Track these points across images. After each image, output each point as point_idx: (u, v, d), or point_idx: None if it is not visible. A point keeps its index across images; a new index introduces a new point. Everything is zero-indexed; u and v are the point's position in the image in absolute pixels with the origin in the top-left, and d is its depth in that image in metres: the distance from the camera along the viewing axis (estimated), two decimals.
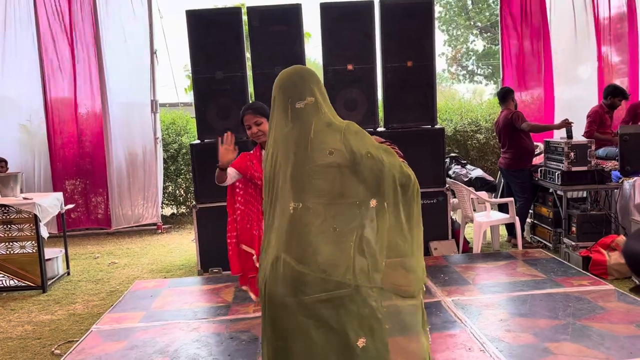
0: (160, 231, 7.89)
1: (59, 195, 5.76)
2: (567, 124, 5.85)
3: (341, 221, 1.89)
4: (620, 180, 5.53)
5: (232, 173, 3.36)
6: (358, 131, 1.97)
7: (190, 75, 5.96)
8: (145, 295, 4.81)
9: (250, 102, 5.93)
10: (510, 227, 6.10)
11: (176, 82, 9.68)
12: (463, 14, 23.94)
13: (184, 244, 7.05)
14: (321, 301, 1.85)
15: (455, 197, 6.13)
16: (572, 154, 5.49)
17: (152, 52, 7.74)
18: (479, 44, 24.75)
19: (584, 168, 5.50)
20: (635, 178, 5.37)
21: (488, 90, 24.15)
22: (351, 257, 1.87)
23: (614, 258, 4.77)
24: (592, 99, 7.91)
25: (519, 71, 8.41)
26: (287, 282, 1.87)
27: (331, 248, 1.87)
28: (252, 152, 3.43)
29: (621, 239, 4.92)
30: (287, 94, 1.99)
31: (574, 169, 5.49)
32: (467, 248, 5.90)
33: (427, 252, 5.64)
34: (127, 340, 3.82)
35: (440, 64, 25.56)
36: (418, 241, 2.05)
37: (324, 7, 5.61)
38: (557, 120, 7.64)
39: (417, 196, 2.03)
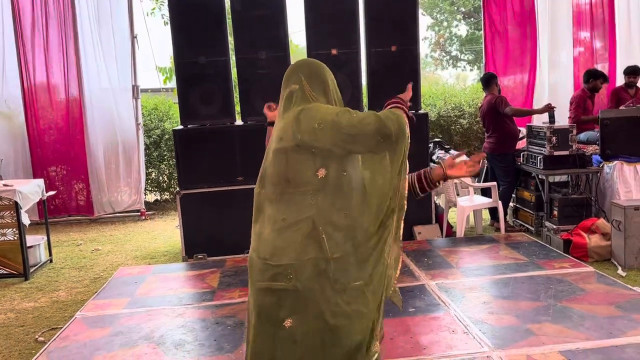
0: (143, 218, 7.84)
1: (40, 182, 5.69)
2: (549, 109, 5.91)
3: (293, 211, 1.82)
4: (601, 164, 5.62)
5: None
6: (312, 108, 1.88)
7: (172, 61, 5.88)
8: (129, 281, 4.80)
9: (236, 87, 5.90)
10: (493, 211, 6.17)
11: (158, 68, 9.55)
12: None
13: (168, 231, 7.02)
14: (263, 289, 1.83)
15: None
16: (554, 138, 5.55)
17: (133, 37, 7.63)
18: (462, 29, 24.76)
19: (566, 152, 5.57)
20: (615, 162, 5.46)
21: (472, 76, 24.24)
22: (298, 252, 1.78)
23: (594, 241, 4.87)
24: (572, 84, 8.02)
25: (501, 56, 8.45)
26: (250, 264, 1.93)
27: (276, 238, 1.81)
28: None
29: (601, 222, 5.01)
30: (285, 78, 2.03)
31: (556, 153, 5.56)
32: (450, 232, 5.96)
33: (410, 236, 5.69)
34: (112, 326, 3.81)
35: (424, 49, 25.54)
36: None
37: None
38: (538, 105, 7.72)
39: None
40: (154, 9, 10.07)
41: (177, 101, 5.79)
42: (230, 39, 5.91)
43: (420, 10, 23.63)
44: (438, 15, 24.75)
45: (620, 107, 6.45)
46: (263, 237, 1.87)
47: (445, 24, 24.84)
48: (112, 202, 7.76)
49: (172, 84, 8.73)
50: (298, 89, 1.96)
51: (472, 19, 22.96)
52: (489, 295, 4.02)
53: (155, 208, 8.53)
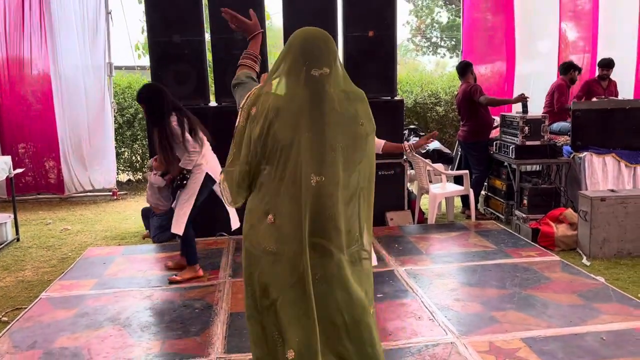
0: (115, 197, 7.74)
1: (7, 159, 5.57)
2: (523, 99, 5.96)
3: (351, 187, 1.96)
4: (571, 155, 5.70)
5: None
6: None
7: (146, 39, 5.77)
8: (97, 262, 4.74)
9: (211, 67, 5.81)
10: (465, 199, 6.23)
11: (132, 45, 9.37)
12: None
13: (139, 211, 6.93)
14: (350, 255, 1.97)
15: (412, 169, 6.20)
16: (526, 128, 5.61)
17: (107, 12, 7.46)
18: (443, 16, 24.75)
19: (537, 142, 5.64)
20: (585, 153, 5.54)
21: (451, 63, 24.30)
22: (358, 220, 2.00)
23: (561, 230, 4.95)
24: (551, 74, 8.06)
25: (479, 45, 8.48)
26: (315, 251, 1.93)
27: (349, 214, 1.96)
28: None
29: (569, 212, 5.10)
30: (305, 57, 1.92)
31: (528, 143, 5.62)
32: (422, 219, 6.00)
33: (383, 222, 5.72)
34: (78, 307, 3.76)
35: (405, 34, 25.47)
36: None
37: None
38: (516, 94, 7.77)
39: None
40: None
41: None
42: (207, 19, 5.81)
43: None
44: (420, 2, 24.70)
45: (593, 99, 6.54)
46: (333, 222, 1.97)
47: (426, 10, 24.81)
48: (83, 181, 7.63)
49: (147, 61, 8.56)
50: (329, 74, 1.92)
51: (453, 6, 22.98)
52: (456, 282, 4.07)
53: (127, 188, 8.42)
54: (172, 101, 4.09)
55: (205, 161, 4.11)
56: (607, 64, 6.97)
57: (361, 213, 2.00)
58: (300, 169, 1.88)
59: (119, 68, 8.50)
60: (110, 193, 7.79)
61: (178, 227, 4.10)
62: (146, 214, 5.54)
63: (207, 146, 4.17)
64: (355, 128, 1.95)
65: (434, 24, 25.06)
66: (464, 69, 6.23)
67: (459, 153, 6.61)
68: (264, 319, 2.00)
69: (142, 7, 5.47)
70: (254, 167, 1.97)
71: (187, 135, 4.02)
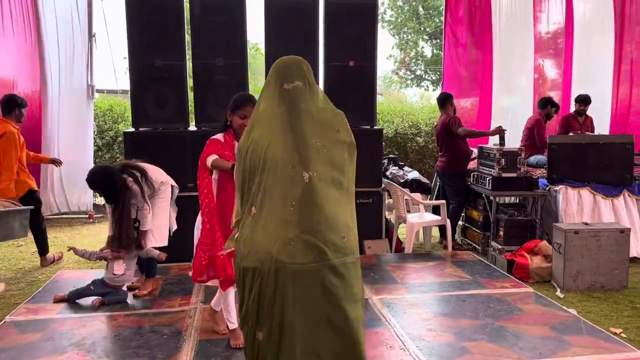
0: (91, 220, 7.63)
1: None
2: (500, 131, 6.03)
3: (342, 194, 2.07)
4: (547, 188, 5.75)
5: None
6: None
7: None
8: (67, 286, 4.61)
9: (189, 92, 5.82)
10: (442, 229, 6.23)
11: (115, 68, 9.39)
12: (414, 19, 24.34)
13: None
14: (339, 265, 2.00)
15: (390, 198, 6.22)
16: (503, 160, 5.66)
17: (91, 35, 7.47)
18: (427, 50, 25.21)
19: (514, 174, 5.69)
20: (561, 186, 5.60)
21: (434, 95, 24.68)
22: (349, 226, 2.07)
23: (536, 262, 4.96)
24: (528, 108, 8.21)
25: (459, 78, 8.62)
26: (306, 253, 1.97)
27: (342, 217, 2.04)
28: (221, 139, 3.30)
29: (544, 244, 5.12)
30: (278, 75, 2.13)
31: (504, 175, 5.66)
32: (399, 248, 5.99)
33: (360, 250, 5.64)
34: (43, 332, 3.66)
35: (389, 67, 25.87)
36: None
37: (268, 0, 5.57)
38: (494, 127, 7.87)
39: None
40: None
41: None
42: (189, 44, 5.84)
43: (387, 30, 23.79)
44: (405, 35, 25.15)
45: (569, 134, 6.66)
46: (329, 220, 2.05)
47: (411, 44, 25.26)
48: (59, 202, 7.51)
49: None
50: (301, 87, 2.10)
51: (438, 41, 23.45)
52: (430, 312, 4.04)
53: (104, 211, 8.29)
54: (121, 168, 4.14)
55: (167, 178, 4.33)
56: (584, 100, 7.12)
57: (350, 217, 2.08)
58: (285, 165, 1.99)
59: (101, 91, 8.48)
60: (87, 216, 7.68)
61: (163, 239, 4.30)
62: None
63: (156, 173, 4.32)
64: (333, 134, 2.08)
65: (419, 58, 25.51)
66: (444, 101, 6.30)
67: (437, 183, 6.65)
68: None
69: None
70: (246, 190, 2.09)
71: (145, 187, 4.16)
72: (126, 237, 4.16)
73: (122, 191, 4.03)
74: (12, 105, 5.22)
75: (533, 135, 6.79)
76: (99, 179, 4.06)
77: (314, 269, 1.96)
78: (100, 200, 8.62)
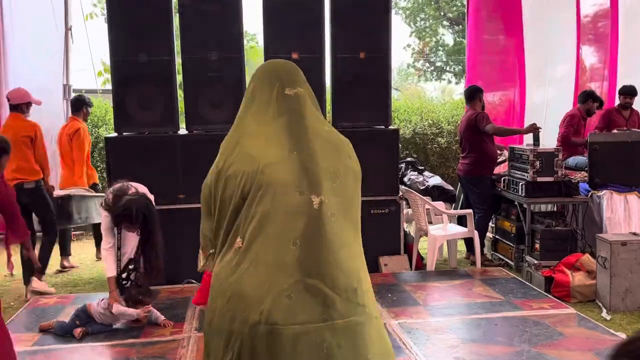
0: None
1: None
2: (534, 129, 6.04)
3: (352, 231, 1.90)
4: (589, 193, 5.75)
5: None
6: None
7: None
8: (44, 313, 4.67)
9: (179, 91, 5.86)
10: (469, 242, 6.24)
11: (95, 65, 9.45)
12: (432, 4, 24.40)
13: (94, 255, 6.87)
14: (346, 326, 1.78)
15: (409, 207, 6.23)
16: (537, 162, 5.66)
17: (67, 29, 7.55)
18: (448, 38, 25.22)
19: (550, 179, 5.69)
20: (605, 191, 5.60)
21: (458, 90, 24.68)
22: (359, 272, 1.88)
23: (578, 279, 4.95)
24: (567, 103, 8.19)
25: (486, 70, 8.63)
26: (311, 307, 1.74)
27: (354, 264, 1.85)
28: None
29: (586, 258, 5.11)
30: (278, 78, 1.96)
31: (539, 179, 5.67)
32: (420, 264, 6.00)
33: (376, 268, 5.70)
34: None
35: (406, 58, 25.90)
36: None
37: None
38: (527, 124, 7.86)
39: None
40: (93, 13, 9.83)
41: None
42: (177, 37, 5.89)
43: (402, 17, 23.81)
44: (423, 22, 25.16)
45: (613, 131, 6.65)
46: (337, 263, 1.91)
47: (430, 31, 25.26)
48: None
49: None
50: (305, 94, 1.97)
51: (460, 27, 23.49)
52: (456, 337, 4.05)
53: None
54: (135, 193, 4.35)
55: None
56: (630, 92, 7.09)
57: (362, 265, 1.91)
58: (290, 190, 1.81)
59: (78, 91, 8.53)
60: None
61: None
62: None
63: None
64: (346, 160, 1.95)
65: (439, 47, 25.50)
66: (473, 94, 6.32)
67: (461, 190, 6.66)
68: None
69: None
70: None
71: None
72: (157, 273, 4.27)
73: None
74: (80, 104, 6.52)
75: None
76: (146, 208, 4.16)
77: (319, 330, 1.73)
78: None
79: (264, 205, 1.80)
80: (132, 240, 4.40)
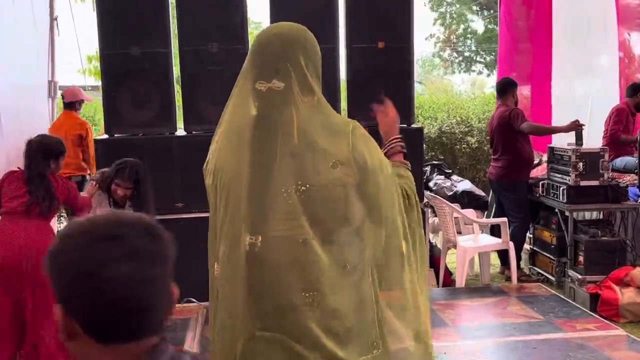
0: None
1: None
2: (577, 126, 6.00)
3: (350, 254, 1.78)
4: (639, 199, 5.70)
5: None
6: (364, 135, 1.85)
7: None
8: None
9: (176, 87, 5.89)
10: (503, 255, 6.19)
11: (83, 60, 9.53)
12: None
13: None
14: None
15: (435, 216, 6.20)
16: (580, 164, 5.61)
17: (52, 19, 7.61)
18: (479, 25, 25.15)
19: (595, 182, 5.63)
20: None
21: (490, 82, 24.59)
22: (374, 310, 1.82)
23: (628, 296, 4.90)
24: (612, 97, 8.11)
25: (521, 60, 8.58)
26: None
27: (346, 299, 1.75)
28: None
29: (637, 272, 5.06)
30: (254, 65, 1.82)
31: (583, 183, 5.62)
32: (449, 280, 5.98)
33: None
34: None
35: (430, 48, 25.86)
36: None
37: None
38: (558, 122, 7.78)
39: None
40: None
41: None
42: (174, 27, 5.93)
43: (425, 2, 23.77)
44: (449, 8, 25.09)
45: None
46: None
47: (457, 17, 25.19)
48: None
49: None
50: (285, 90, 1.78)
51: (492, 12, 23.42)
52: None
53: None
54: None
55: None
56: None
57: (378, 303, 1.83)
58: (233, 219, 1.77)
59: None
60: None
61: None
62: None
63: None
64: (325, 169, 1.74)
65: (467, 35, 25.41)
66: (505, 88, 6.30)
67: (494, 197, 6.63)
68: None
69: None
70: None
71: None
72: None
73: None
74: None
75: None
76: (139, 168, 4.31)
77: None
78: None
79: (224, 227, 1.79)
80: None
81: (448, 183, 6.98)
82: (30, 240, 3.81)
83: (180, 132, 5.75)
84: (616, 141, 6.47)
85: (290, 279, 1.70)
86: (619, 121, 6.65)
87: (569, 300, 5.24)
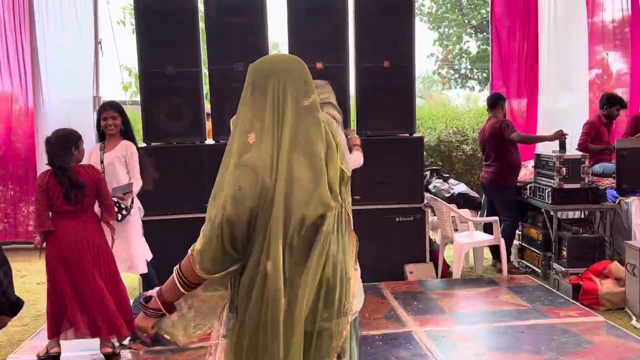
0: None
1: None
2: (561, 135, 5.97)
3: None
4: (617, 200, 5.66)
5: None
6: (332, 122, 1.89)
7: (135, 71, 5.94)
8: None
9: (205, 102, 5.94)
10: (495, 250, 6.18)
11: (124, 77, 9.62)
12: (456, 10, 24.29)
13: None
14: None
15: (434, 215, 6.20)
16: (564, 169, 5.59)
17: (97, 42, 7.68)
18: (473, 45, 25.06)
19: (577, 185, 5.61)
20: (633, 197, 5.50)
21: (483, 97, 24.49)
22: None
23: (606, 286, 4.88)
24: (591, 110, 8.07)
25: (512, 77, 8.54)
26: None
27: None
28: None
29: (615, 265, 5.03)
30: (288, 83, 1.70)
31: (566, 186, 5.59)
32: (446, 272, 5.96)
33: (401, 276, 5.68)
34: None
35: (430, 66, 25.80)
36: None
37: None
38: (541, 132, 7.72)
39: None
40: (122, 20, 9.98)
41: None
42: (204, 49, 5.97)
43: (425, 23, 23.71)
44: (447, 29, 25.03)
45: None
46: None
47: (454, 38, 25.13)
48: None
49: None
50: (314, 102, 1.77)
51: (485, 34, 23.32)
52: (482, 346, 4.03)
53: None
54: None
55: None
56: None
57: None
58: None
59: None
60: None
61: (142, 266, 4.51)
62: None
63: None
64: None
65: (463, 54, 25.34)
66: (496, 102, 6.28)
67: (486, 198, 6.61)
68: None
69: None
70: None
71: None
72: None
73: None
74: None
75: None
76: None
77: None
78: None
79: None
80: None
81: (446, 186, 6.96)
82: (79, 234, 3.86)
83: (209, 141, 5.78)
84: (584, 151, 6.41)
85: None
86: (587, 133, 6.58)
87: (553, 290, 5.21)
